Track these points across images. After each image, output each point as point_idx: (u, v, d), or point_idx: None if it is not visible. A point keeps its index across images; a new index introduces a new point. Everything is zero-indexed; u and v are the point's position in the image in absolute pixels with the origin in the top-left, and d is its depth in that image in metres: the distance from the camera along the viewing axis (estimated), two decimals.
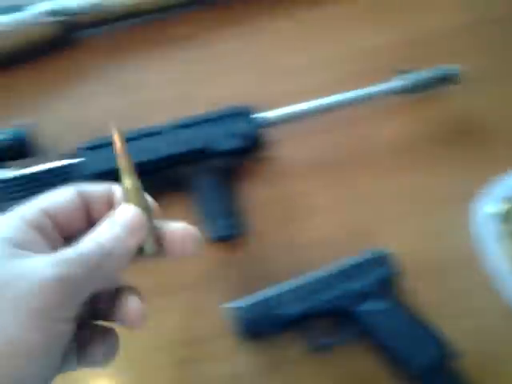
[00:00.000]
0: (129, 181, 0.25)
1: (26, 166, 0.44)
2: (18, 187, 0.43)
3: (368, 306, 0.42)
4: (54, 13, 0.52)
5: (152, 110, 0.51)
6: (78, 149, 0.45)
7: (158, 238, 0.25)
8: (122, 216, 0.24)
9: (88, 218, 0.26)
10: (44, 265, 0.21)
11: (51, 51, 0.53)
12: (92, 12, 0.53)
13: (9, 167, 0.44)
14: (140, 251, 0.25)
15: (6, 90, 0.51)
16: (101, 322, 0.26)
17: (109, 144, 0.40)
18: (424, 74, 0.49)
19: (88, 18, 0.53)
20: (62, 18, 0.52)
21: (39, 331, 0.20)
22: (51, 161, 0.45)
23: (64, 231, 0.25)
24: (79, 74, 0.53)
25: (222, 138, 0.46)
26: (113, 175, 0.26)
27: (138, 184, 0.25)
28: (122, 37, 0.55)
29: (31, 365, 0.20)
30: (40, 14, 0.52)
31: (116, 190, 0.26)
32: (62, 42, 0.53)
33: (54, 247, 0.24)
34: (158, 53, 0.55)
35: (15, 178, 0.43)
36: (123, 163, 0.25)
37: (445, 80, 0.49)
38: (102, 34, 0.55)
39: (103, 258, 0.23)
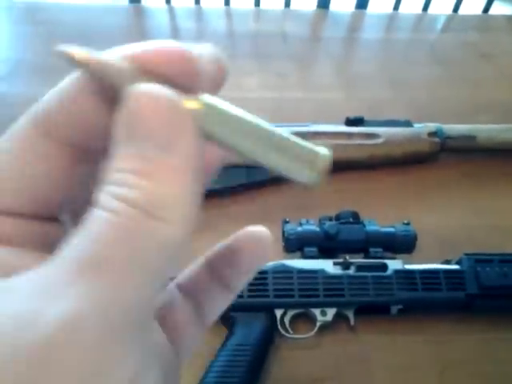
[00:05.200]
0: None
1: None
2: (402, 279, 0.49)
3: None
4: (432, 134, 0.60)
5: (504, 237, 0.56)
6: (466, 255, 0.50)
7: None
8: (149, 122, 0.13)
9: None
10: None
11: (420, 162, 0.61)
12: (461, 140, 0.61)
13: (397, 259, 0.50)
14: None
15: (372, 191, 0.59)
16: None
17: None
18: None
19: (457, 143, 0.61)
20: (437, 140, 0.60)
21: None
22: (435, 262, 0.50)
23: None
24: (439, 186, 0.60)
25: None
26: None
27: None
28: (478, 161, 0.62)
29: None
30: (422, 132, 0.60)
31: None
32: (431, 157, 0.61)
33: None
34: None
35: (405, 271, 0.49)
36: None
37: None
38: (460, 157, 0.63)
39: (146, 231, 0.12)
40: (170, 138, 0.13)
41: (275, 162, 0.14)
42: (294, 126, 0.59)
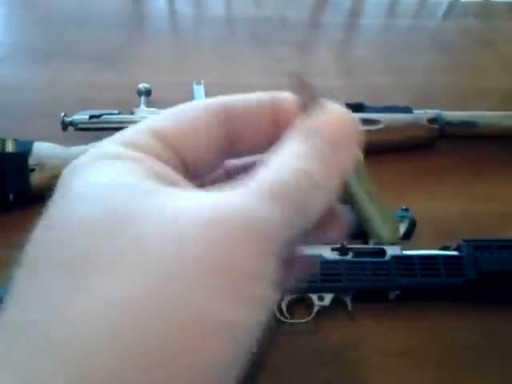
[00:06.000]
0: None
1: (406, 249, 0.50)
2: (400, 265, 0.48)
3: None
4: (431, 120, 0.60)
5: (503, 223, 0.56)
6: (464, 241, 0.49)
7: None
8: (328, 126, 0.17)
9: (228, 146, 0.19)
10: (220, 202, 0.14)
11: (420, 148, 0.61)
12: (461, 126, 0.60)
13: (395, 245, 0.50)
14: None
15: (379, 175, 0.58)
16: None
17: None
18: None
19: (456, 130, 0.61)
20: (436, 126, 0.60)
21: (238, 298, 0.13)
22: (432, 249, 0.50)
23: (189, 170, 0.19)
24: (438, 172, 0.60)
25: None
26: None
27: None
28: (477, 147, 0.62)
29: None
30: (422, 118, 0.60)
31: (285, 102, 0.19)
32: (431, 143, 0.61)
33: None
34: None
35: (403, 257, 0.49)
36: None
37: None
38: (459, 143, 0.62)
39: (309, 195, 0.16)
40: (349, 146, 0.18)
41: (371, 217, 0.19)
42: None
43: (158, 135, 0.17)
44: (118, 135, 0.18)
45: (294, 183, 0.15)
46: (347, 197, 0.19)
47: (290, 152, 0.16)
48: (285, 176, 0.15)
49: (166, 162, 0.17)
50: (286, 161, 0.16)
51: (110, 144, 0.17)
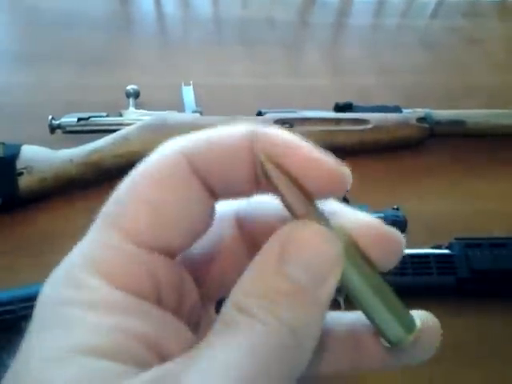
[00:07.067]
0: None
1: None
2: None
3: None
4: (420, 119, 0.60)
5: (493, 221, 0.56)
6: (456, 239, 0.50)
7: None
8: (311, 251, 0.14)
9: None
10: None
11: (409, 147, 0.61)
12: (450, 125, 0.61)
13: None
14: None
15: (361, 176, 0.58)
16: None
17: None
18: None
19: (446, 129, 0.61)
20: (426, 125, 0.60)
21: None
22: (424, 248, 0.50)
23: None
24: (428, 171, 0.60)
25: None
26: None
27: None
28: (467, 146, 0.62)
29: None
30: (411, 117, 0.60)
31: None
32: (420, 142, 0.61)
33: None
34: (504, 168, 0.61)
35: None
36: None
37: None
38: (448, 142, 0.62)
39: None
40: (325, 273, 0.15)
41: (378, 314, 0.16)
42: (282, 112, 0.59)
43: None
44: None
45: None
46: (347, 292, 0.16)
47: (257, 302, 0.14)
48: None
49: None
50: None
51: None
